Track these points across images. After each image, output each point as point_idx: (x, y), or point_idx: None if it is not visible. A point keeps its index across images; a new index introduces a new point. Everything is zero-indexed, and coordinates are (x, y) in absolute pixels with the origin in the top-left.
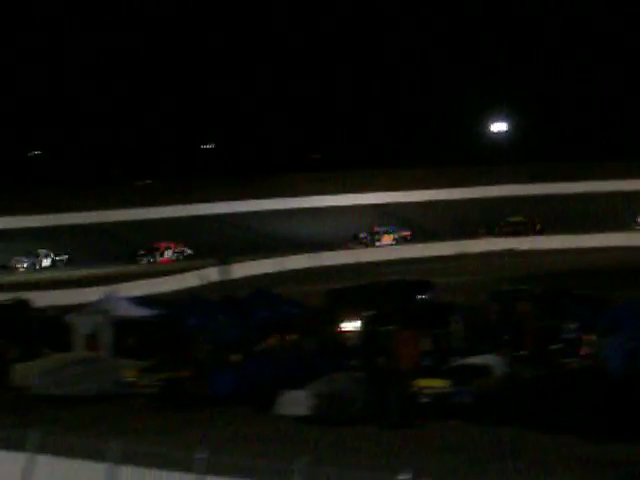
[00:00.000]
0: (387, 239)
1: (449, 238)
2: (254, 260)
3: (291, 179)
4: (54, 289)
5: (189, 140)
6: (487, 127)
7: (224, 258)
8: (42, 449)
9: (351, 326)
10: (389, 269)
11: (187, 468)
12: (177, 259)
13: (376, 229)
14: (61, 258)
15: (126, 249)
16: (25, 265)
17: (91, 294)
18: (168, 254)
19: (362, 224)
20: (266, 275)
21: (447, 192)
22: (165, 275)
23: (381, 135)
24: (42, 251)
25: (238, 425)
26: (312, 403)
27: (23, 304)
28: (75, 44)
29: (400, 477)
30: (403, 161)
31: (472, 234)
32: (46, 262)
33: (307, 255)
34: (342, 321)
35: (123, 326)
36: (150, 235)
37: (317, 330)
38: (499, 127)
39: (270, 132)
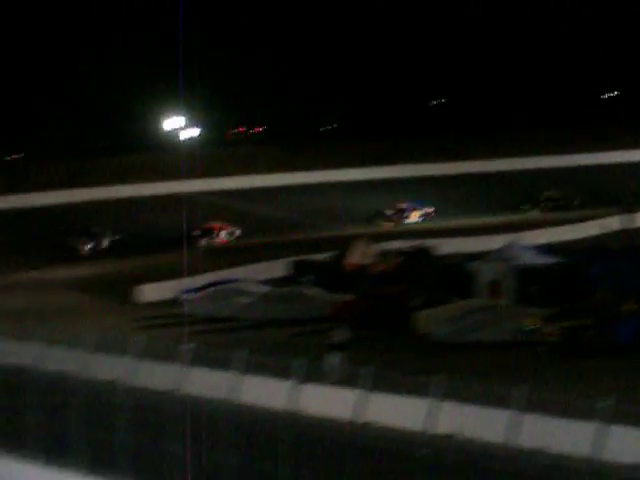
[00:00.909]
0: (414, 216)
1: None
2: None
3: None
4: (455, 236)
5: (589, 88)
6: None
7: (628, 206)
8: (446, 395)
9: None
10: None
11: (589, 416)
12: (229, 240)
13: (402, 206)
14: (117, 238)
15: (513, 198)
16: (87, 247)
17: (492, 242)
18: (223, 235)
19: None
20: None
21: None
22: (566, 224)
23: None
24: (98, 230)
25: None
26: None
27: (425, 251)
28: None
29: None
30: None
31: None
32: (105, 243)
33: None
34: None
35: (526, 274)
36: (536, 183)
37: None
38: None
39: None
